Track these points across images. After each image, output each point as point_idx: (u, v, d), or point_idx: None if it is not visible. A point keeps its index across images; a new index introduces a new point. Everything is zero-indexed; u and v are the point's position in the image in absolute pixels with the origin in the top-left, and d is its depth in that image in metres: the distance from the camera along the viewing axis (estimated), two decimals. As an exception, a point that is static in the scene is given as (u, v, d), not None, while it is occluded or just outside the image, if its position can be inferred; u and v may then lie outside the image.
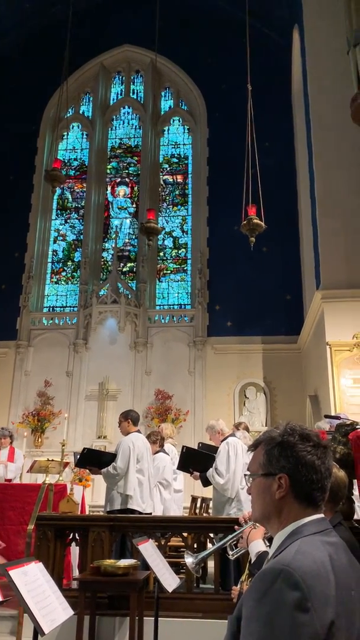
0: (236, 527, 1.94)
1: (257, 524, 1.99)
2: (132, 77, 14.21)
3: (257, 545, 1.98)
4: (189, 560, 1.82)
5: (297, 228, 11.58)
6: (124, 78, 14.23)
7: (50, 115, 13.39)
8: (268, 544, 2.03)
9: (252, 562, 1.94)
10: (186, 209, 13.16)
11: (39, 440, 10.85)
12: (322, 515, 1.34)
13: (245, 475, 1.48)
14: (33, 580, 2.37)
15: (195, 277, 12.11)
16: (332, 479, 1.38)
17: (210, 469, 5.39)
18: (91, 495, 8.91)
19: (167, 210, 13.18)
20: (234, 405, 10.93)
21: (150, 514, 5.29)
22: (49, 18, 13.28)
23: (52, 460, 6.10)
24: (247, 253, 10.16)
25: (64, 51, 9.66)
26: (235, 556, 2.17)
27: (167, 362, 11.44)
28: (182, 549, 5.59)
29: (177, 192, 13.33)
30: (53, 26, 12.86)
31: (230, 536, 2.09)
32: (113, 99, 14.14)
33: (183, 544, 5.01)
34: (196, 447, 6.47)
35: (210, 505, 6.12)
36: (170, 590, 2.73)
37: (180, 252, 12.89)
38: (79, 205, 13.34)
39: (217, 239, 12.10)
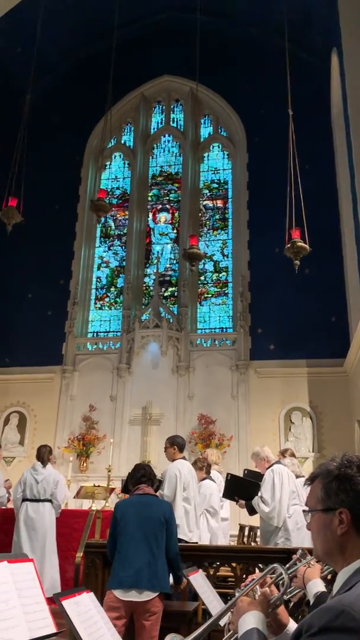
0: (252, 575, 1.77)
1: (313, 562, 1.92)
2: (171, 106, 14.53)
3: (316, 586, 1.90)
4: None
5: (339, 249, 11.43)
6: (164, 107, 14.57)
7: (94, 145, 13.82)
8: (325, 583, 1.95)
9: (312, 603, 1.86)
10: (226, 232, 13.23)
11: (84, 465, 10.91)
12: None
13: (303, 511, 1.45)
14: (85, 611, 2.36)
15: (237, 300, 12.08)
16: None
17: (256, 497, 5.29)
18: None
19: (208, 235, 13.27)
20: (279, 431, 10.73)
21: (197, 543, 5.22)
22: (91, 53, 13.81)
23: (98, 485, 6.12)
24: (288, 275, 10.10)
25: (105, 84, 9.99)
26: (289, 597, 2.07)
27: (209, 386, 11.38)
28: (230, 579, 5.48)
29: (217, 217, 13.43)
30: (94, 61, 13.35)
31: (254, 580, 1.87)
32: (154, 128, 14.48)
33: (231, 573, 4.91)
34: (241, 474, 6.37)
35: (258, 534, 5.99)
36: (222, 624, 2.66)
37: (221, 275, 12.92)
38: (122, 233, 13.61)
39: (258, 261, 12.08)
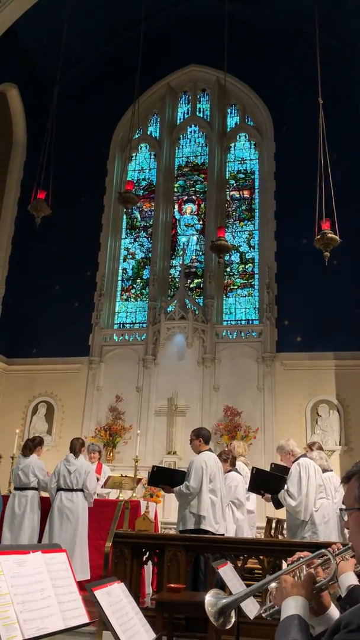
0: (300, 554, 1.76)
1: (348, 556, 1.91)
2: (198, 96, 14.42)
3: (348, 579, 1.89)
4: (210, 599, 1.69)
5: (369, 240, 11.21)
6: (190, 97, 14.47)
7: (120, 137, 13.82)
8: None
9: (343, 596, 1.85)
10: (253, 223, 13.11)
11: (111, 454, 11.03)
12: None
13: (340, 509, 1.44)
14: (117, 601, 2.39)
15: (263, 292, 11.98)
16: None
17: (282, 490, 5.26)
18: (162, 512, 8.93)
19: (234, 226, 13.18)
20: (305, 423, 10.65)
21: (223, 535, 5.24)
22: (117, 45, 13.77)
23: (126, 476, 6.19)
24: (316, 267, 9.98)
25: (131, 76, 9.96)
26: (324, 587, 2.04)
27: (235, 378, 11.35)
28: (256, 571, 5.49)
29: (243, 208, 13.31)
30: (120, 52, 13.32)
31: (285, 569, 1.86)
32: (180, 119, 14.39)
33: (258, 565, 4.92)
34: (269, 468, 6.35)
35: (285, 526, 5.97)
36: (252, 617, 2.67)
37: (247, 267, 12.83)
38: (148, 224, 13.61)
39: (285, 253, 11.95)
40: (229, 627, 1.72)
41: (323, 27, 10.22)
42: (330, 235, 6.27)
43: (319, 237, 6.39)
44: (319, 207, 6.77)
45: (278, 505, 5.41)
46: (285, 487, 5.23)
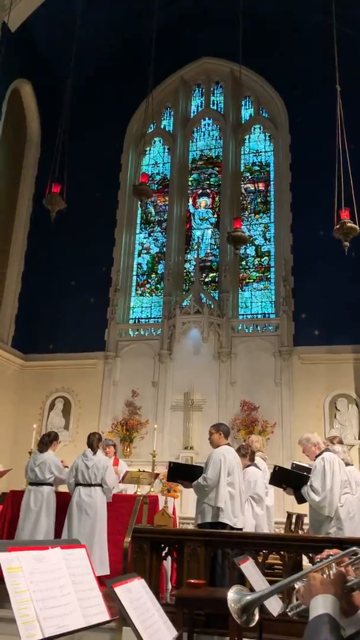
0: (329, 552, 1.69)
1: None
2: (211, 89, 14.28)
3: None
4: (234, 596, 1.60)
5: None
6: (203, 90, 14.34)
7: (133, 131, 13.75)
8: None
9: None
10: (268, 216, 12.98)
11: (128, 449, 11.02)
12: None
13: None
14: (137, 598, 2.33)
15: (279, 285, 11.85)
16: None
17: (305, 486, 5.17)
18: (180, 507, 8.90)
19: (249, 219, 13.06)
20: (324, 418, 10.53)
21: (242, 529, 5.18)
22: (130, 38, 13.67)
23: (144, 471, 6.16)
24: (334, 259, 9.86)
25: (144, 69, 9.87)
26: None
27: (252, 373, 11.26)
28: (276, 567, 5.42)
29: (259, 200, 13.18)
30: (133, 46, 13.23)
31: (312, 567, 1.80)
32: (193, 112, 14.28)
33: (279, 561, 4.85)
34: (287, 464, 6.27)
35: (306, 521, 5.89)
36: (275, 614, 2.61)
37: (263, 260, 12.71)
38: (162, 219, 13.54)
39: (301, 245, 11.80)
40: (252, 624, 1.64)
41: (337, 16, 10.01)
42: (349, 224, 6.13)
43: (337, 226, 6.26)
44: (338, 197, 6.64)
45: (301, 500, 5.31)
46: (309, 482, 5.14)
